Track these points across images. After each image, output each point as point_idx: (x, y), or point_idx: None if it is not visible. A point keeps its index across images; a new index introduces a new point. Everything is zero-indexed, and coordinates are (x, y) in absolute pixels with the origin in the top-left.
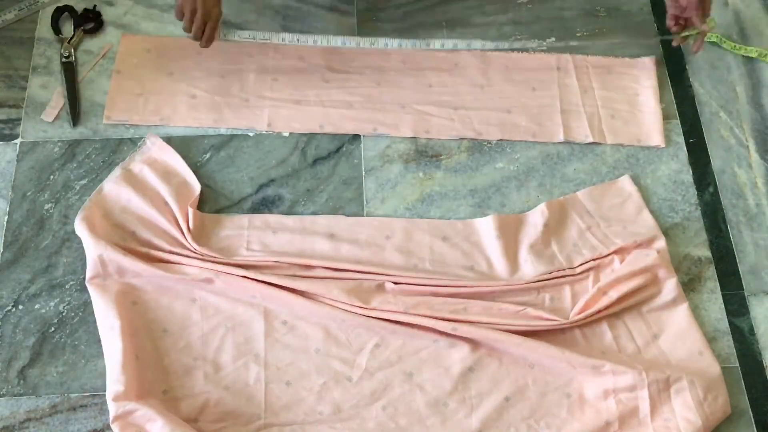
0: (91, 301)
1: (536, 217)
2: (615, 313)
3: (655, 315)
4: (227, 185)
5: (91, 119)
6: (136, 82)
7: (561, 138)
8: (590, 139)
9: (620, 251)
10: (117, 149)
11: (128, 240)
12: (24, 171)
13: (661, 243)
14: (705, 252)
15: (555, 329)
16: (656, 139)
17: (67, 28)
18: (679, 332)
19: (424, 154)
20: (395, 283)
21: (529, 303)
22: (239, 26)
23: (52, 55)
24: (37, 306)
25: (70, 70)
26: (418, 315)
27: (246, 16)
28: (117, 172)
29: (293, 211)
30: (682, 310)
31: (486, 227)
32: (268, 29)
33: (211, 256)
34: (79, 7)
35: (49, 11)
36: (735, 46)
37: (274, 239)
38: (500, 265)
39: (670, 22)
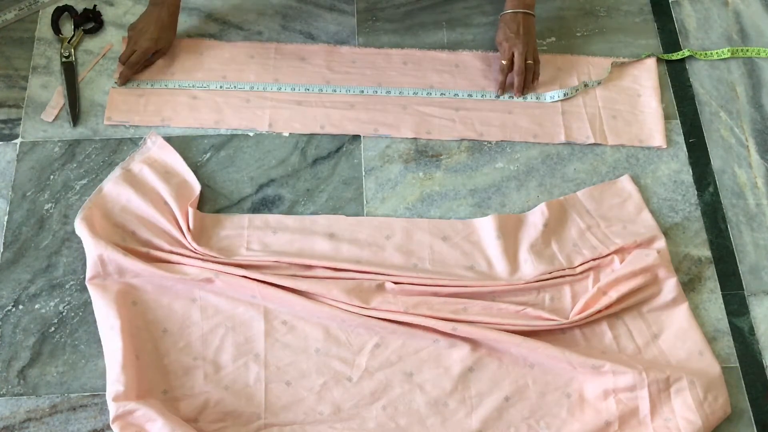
0: (91, 301)
1: (536, 217)
2: (615, 313)
3: (655, 315)
4: (227, 185)
5: (91, 119)
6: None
7: (562, 139)
8: (591, 140)
9: (620, 251)
10: (117, 149)
11: (128, 240)
12: (24, 171)
13: (661, 243)
14: (705, 252)
15: (555, 329)
16: (658, 139)
17: (67, 28)
18: (679, 332)
19: (424, 154)
20: (395, 283)
21: (529, 303)
22: (239, 26)
23: (52, 55)
24: (37, 306)
25: (70, 70)
26: (418, 315)
27: (246, 16)
28: (117, 172)
29: (293, 211)
30: (682, 310)
31: (486, 227)
32: (268, 29)
33: (211, 256)
34: (79, 7)
35: (49, 11)
36: (707, 53)
37: (274, 239)
38: (500, 265)
39: (498, 89)
